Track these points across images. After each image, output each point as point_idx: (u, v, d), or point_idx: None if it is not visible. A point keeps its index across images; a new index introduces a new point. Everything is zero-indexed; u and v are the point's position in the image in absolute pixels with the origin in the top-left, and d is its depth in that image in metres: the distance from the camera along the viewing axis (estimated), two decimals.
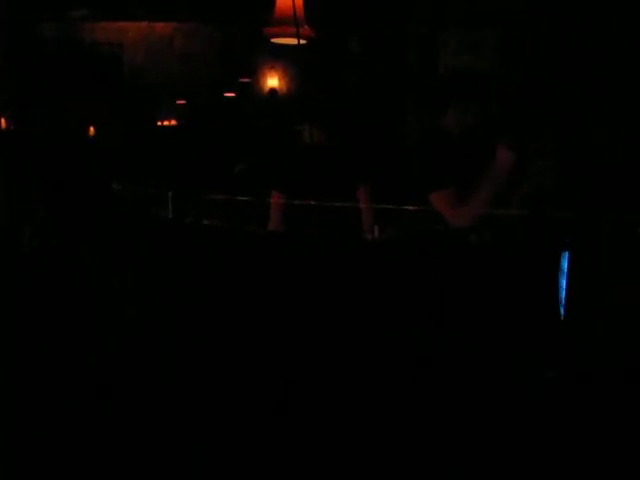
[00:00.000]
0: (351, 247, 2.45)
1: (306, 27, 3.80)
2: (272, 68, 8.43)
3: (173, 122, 8.38)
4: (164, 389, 2.20)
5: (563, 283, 2.18)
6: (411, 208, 2.45)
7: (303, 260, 2.30)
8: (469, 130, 2.56)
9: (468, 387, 2.13)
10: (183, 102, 8.23)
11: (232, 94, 8.15)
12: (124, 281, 2.48)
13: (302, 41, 3.75)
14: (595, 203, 2.36)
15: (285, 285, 2.25)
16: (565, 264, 2.16)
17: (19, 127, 6.50)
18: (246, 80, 8.29)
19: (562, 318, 2.23)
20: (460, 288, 2.27)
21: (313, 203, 2.61)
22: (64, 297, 2.44)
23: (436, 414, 2.11)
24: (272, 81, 8.45)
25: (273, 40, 3.95)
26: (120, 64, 8.48)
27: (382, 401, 2.15)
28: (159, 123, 8.29)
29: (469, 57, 4.88)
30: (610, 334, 2.10)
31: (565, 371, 2.07)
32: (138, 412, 2.16)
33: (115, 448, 2.05)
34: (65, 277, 2.49)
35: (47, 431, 2.09)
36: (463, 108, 2.57)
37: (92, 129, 7.64)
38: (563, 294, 2.19)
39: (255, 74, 8.44)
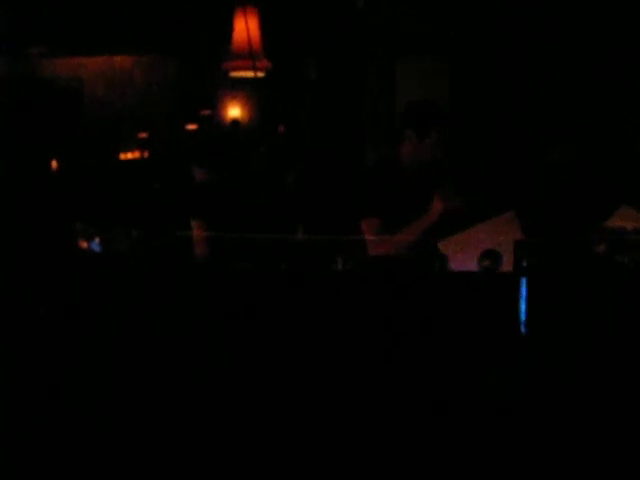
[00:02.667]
0: (318, 280, 2.46)
1: (264, 60, 3.86)
2: (234, 98, 8.46)
3: (136, 155, 8.35)
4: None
5: (522, 306, 2.22)
6: (372, 238, 2.49)
7: (276, 297, 2.30)
8: (421, 163, 2.60)
9: (433, 406, 2.16)
10: (145, 135, 8.22)
11: (194, 126, 8.15)
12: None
13: (259, 74, 3.81)
14: (549, 225, 2.43)
15: (254, 323, 2.26)
16: (523, 287, 2.21)
17: None
18: (207, 112, 8.30)
19: (523, 338, 2.27)
20: (426, 313, 2.30)
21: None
22: None
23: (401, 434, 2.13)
24: (234, 111, 8.47)
25: (231, 74, 4.01)
26: (80, 98, 8.45)
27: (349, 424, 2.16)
28: (122, 157, 8.26)
29: (426, 87, 4.97)
30: (569, 352, 2.15)
31: (524, 388, 2.11)
32: None
33: None
34: None
35: None
36: (416, 139, 2.60)
37: (54, 165, 7.58)
38: (523, 316, 2.23)
39: (216, 105, 8.46)
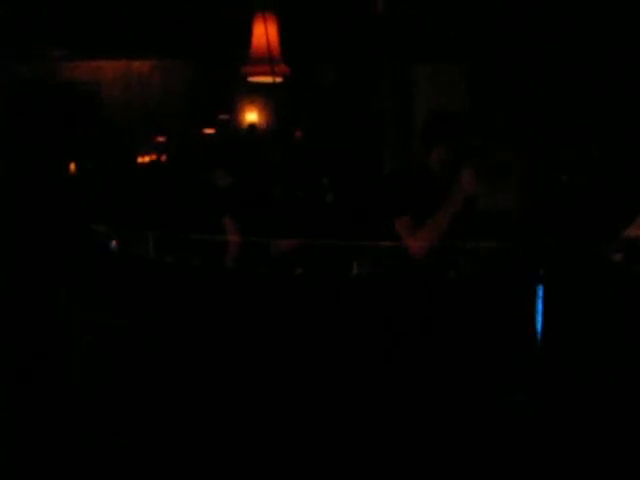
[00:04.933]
0: (338, 284, 2.47)
1: (282, 65, 3.87)
2: (251, 102, 8.49)
3: (153, 159, 8.40)
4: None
5: (539, 314, 2.21)
6: (387, 244, 2.49)
7: (293, 300, 2.31)
8: (450, 168, 2.59)
9: (445, 417, 2.15)
10: (162, 139, 8.26)
11: (211, 130, 8.19)
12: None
13: (278, 79, 3.82)
14: (566, 233, 2.41)
15: (273, 325, 2.27)
16: (540, 296, 2.20)
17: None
18: (225, 116, 8.33)
19: (539, 348, 2.26)
20: (440, 322, 2.29)
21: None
22: None
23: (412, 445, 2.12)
24: (251, 116, 8.49)
25: (250, 79, 4.01)
26: (99, 102, 8.51)
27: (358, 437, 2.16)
28: (139, 160, 8.31)
29: (443, 90, 4.96)
30: (586, 361, 2.13)
31: (539, 399, 2.10)
32: None
33: None
34: None
35: None
36: (446, 150, 2.61)
37: (72, 167, 7.64)
38: (540, 325, 2.22)
39: (234, 109, 8.49)
